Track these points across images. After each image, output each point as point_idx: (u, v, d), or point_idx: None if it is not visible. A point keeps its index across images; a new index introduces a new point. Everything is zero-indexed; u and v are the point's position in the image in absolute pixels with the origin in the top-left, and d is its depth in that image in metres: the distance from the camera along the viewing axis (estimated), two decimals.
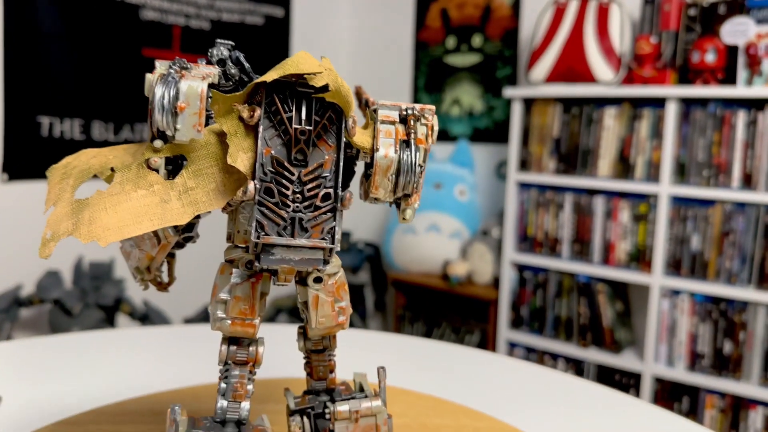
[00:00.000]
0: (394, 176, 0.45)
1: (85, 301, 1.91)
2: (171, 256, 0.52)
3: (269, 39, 2.67)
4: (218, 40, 0.46)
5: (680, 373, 2.09)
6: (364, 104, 0.51)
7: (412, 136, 0.45)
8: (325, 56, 0.43)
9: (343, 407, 0.48)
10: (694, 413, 2.09)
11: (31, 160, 2.02)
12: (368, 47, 3.07)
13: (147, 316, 1.98)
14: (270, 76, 0.41)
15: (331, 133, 0.44)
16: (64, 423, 0.65)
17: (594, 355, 2.24)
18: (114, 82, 2.19)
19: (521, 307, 2.41)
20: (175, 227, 0.47)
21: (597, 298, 2.25)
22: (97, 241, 0.40)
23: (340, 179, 0.44)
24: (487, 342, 2.52)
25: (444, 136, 2.84)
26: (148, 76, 0.41)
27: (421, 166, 0.45)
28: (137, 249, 0.49)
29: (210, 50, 0.46)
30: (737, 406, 2.03)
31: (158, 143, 0.41)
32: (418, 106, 0.46)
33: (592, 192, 2.25)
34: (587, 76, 2.18)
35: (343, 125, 0.44)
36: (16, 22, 1.94)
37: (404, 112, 0.46)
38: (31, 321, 2.04)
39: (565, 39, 2.23)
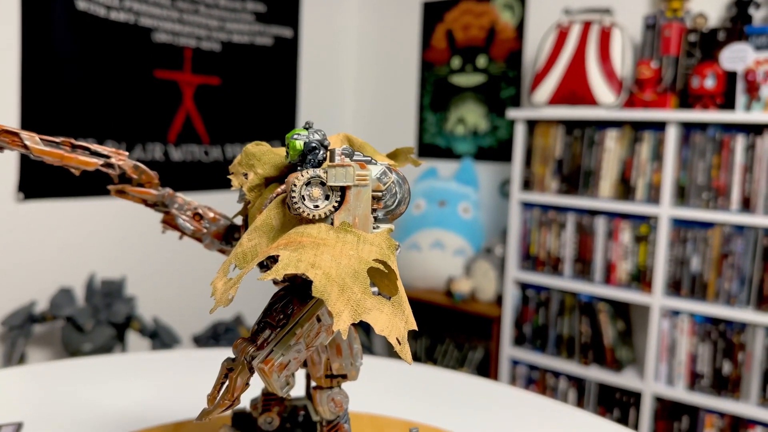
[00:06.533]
0: None
1: (96, 318, 1.96)
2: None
3: (278, 60, 2.73)
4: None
5: (680, 393, 2.12)
6: None
7: None
8: None
9: None
10: None
11: (45, 180, 2.07)
12: (375, 67, 3.12)
13: (156, 334, 2.03)
14: None
15: None
16: None
17: (595, 374, 2.27)
18: (127, 102, 2.25)
19: (524, 325, 2.45)
20: None
21: (598, 317, 2.28)
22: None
23: None
24: (489, 359, 2.55)
25: (449, 154, 2.89)
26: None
27: None
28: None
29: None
30: (736, 426, 2.06)
31: None
32: None
33: (593, 212, 2.29)
34: (589, 99, 2.23)
35: None
36: (33, 47, 2.00)
37: None
38: (45, 337, 2.10)
39: (568, 62, 2.27)
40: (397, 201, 0.49)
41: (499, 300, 2.54)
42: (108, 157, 0.56)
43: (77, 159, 0.55)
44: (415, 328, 0.44)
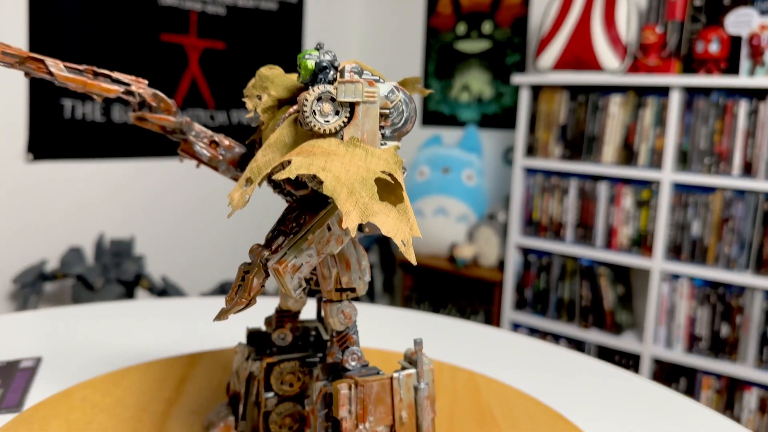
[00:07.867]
0: None
1: (106, 276, 2.00)
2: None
3: (283, 24, 2.74)
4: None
5: (678, 355, 2.16)
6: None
7: None
8: None
9: None
10: (690, 394, 2.16)
11: (54, 141, 2.10)
12: (380, 33, 3.12)
13: (165, 291, 2.06)
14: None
15: None
16: (106, 375, 0.74)
17: (595, 337, 2.31)
18: (133, 66, 2.26)
19: (525, 290, 2.48)
20: None
21: (599, 281, 2.31)
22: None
23: None
24: (491, 323, 2.59)
25: (453, 121, 2.90)
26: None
27: None
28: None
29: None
30: (732, 388, 2.10)
31: None
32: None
33: (596, 178, 2.31)
34: (593, 64, 2.23)
35: None
36: (40, 11, 2.01)
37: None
38: (55, 295, 2.14)
39: (573, 27, 2.28)
40: (404, 119, 0.51)
41: (501, 265, 2.58)
42: (128, 84, 0.59)
43: (99, 86, 0.58)
44: (419, 235, 0.46)
